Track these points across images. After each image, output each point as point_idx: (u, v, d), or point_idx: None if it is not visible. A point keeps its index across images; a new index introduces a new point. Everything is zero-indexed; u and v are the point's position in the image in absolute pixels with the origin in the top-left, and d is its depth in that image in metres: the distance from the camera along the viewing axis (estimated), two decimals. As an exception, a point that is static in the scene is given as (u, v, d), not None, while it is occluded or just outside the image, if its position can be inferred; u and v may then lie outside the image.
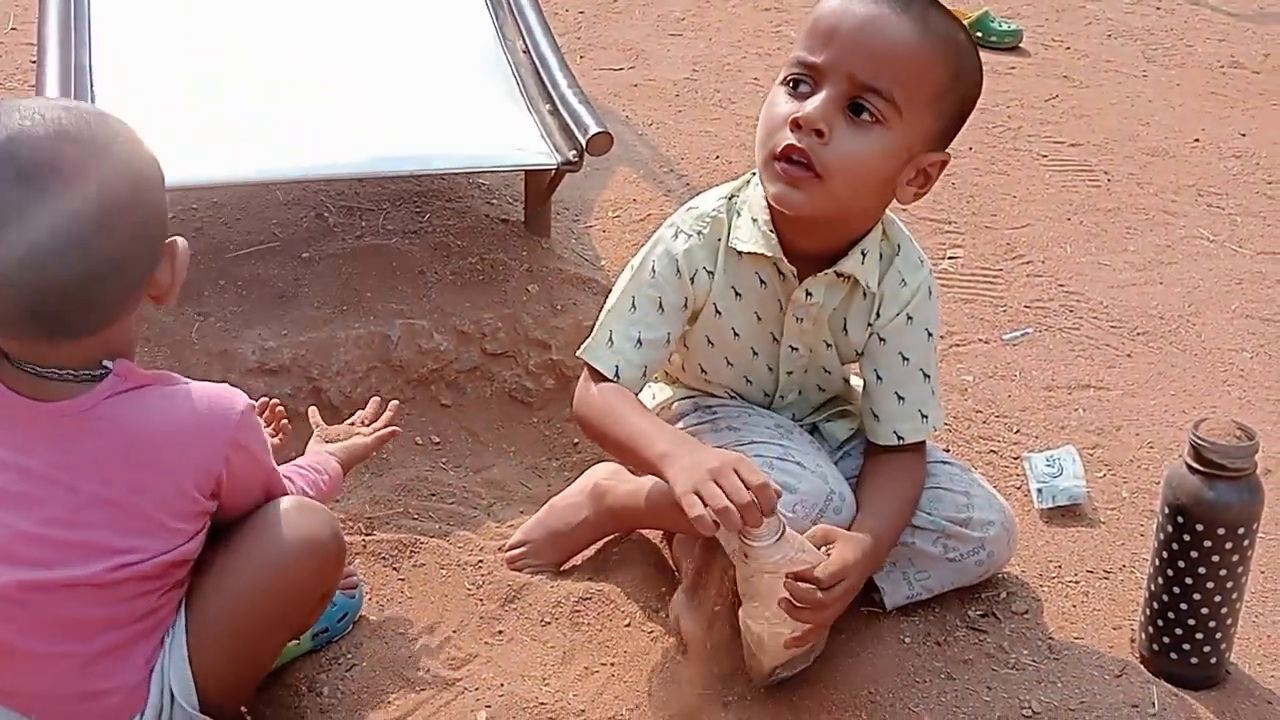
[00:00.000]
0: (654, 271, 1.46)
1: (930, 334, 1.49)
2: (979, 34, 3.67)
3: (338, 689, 1.42)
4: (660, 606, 1.55)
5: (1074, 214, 2.71)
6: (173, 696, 1.23)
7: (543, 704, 1.41)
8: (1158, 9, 4.14)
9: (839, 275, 1.43)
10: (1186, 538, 1.39)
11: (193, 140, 1.86)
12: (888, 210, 1.47)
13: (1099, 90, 3.44)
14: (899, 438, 1.48)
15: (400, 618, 1.54)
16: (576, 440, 1.96)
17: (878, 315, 1.47)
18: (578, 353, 1.52)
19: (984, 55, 3.68)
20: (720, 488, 1.22)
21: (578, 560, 1.65)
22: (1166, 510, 1.41)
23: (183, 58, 2.13)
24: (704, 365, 1.55)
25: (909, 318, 1.47)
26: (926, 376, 1.49)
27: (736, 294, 1.47)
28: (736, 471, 1.23)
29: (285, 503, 1.28)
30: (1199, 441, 1.37)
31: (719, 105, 3.08)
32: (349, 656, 1.46)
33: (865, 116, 1.31)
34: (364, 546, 1.63)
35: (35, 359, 1.16)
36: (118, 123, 1.17)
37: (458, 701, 1.42)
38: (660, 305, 1.46)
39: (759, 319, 1.50)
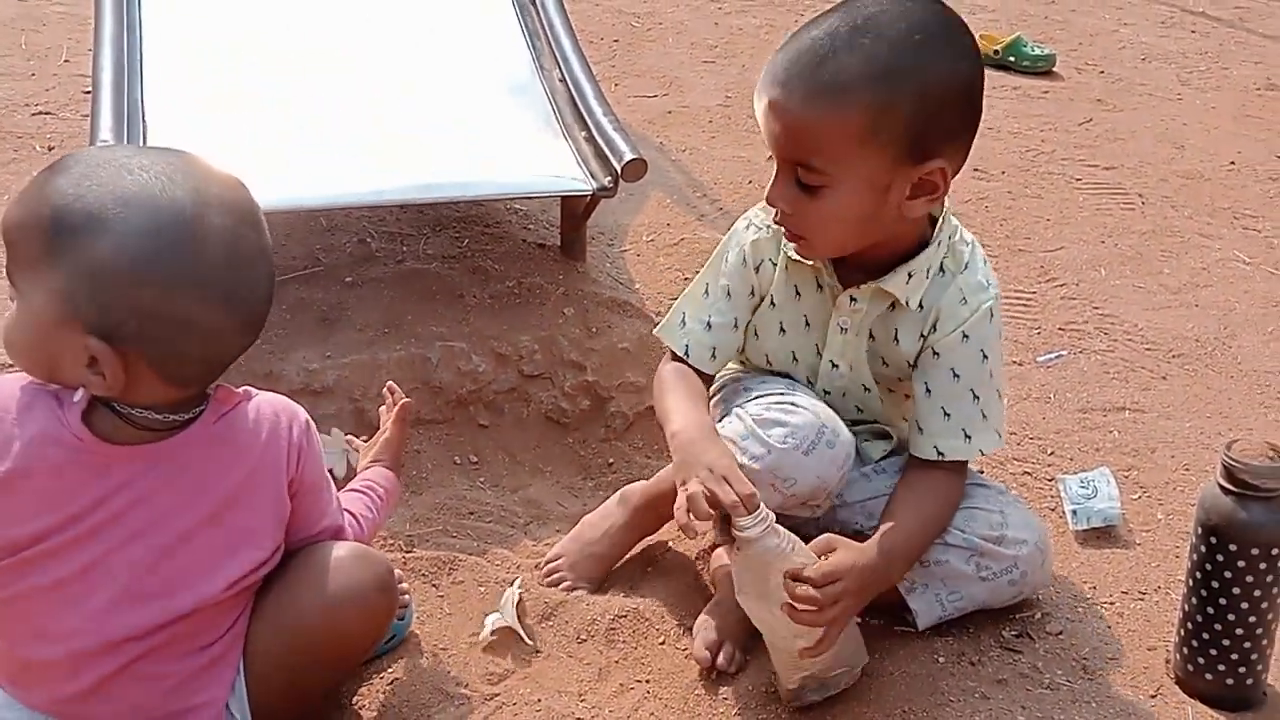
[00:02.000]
0: (726, 260, 1.57)
1: (986, 356, 1.47)
2: (1011, 59, 3.69)
3: (379, 702, 1.45)
4: (693, 625, 1.56)
5: (1108, 237, 2.71)
6: (233, 715, 1.27)
7: (579, 719, 1.44)
8: (1193, 32, 4.13)
9: (882, 290, 1.47)
10: (1220, 558, 1.39)
11: (240, 170, 1.89)
12: (956, 225, 1.50)
13: (1133, 114, 3.44)
14: (939, 453, 1.48)
15: (439, 634, 1.56)
16: (611, 460, 1.99)
17: (934, 329, 1.47)
18: (654, 330, 1.66)
19: (1017, 80, 3.73)
20: (703, 484, 1.32)
21: (614, 576, 1.67)
22: (1199, 531, 1.42)
23: (229, 90, 2.20)
24: (748, 357, 1.61)
25: (965, 335, 1.46)
26: (976, 397, 1.47)
27: (796, 292, 1.54)
28: (725, 479, 1.32)
29: (341, 550, 1.30)
30: (1231, 462, 1.37)
31: (752, 131, 3.11)
32: (390, 670, 1.49)
33: (811, 184, 1.37)
34: (404, 563, 1.66)
35: (164, 403, 1.17)
36: None
37: (496, 716, 1.44)
38: (729, 293, 1.56)
39: (807, 324, 1.54)
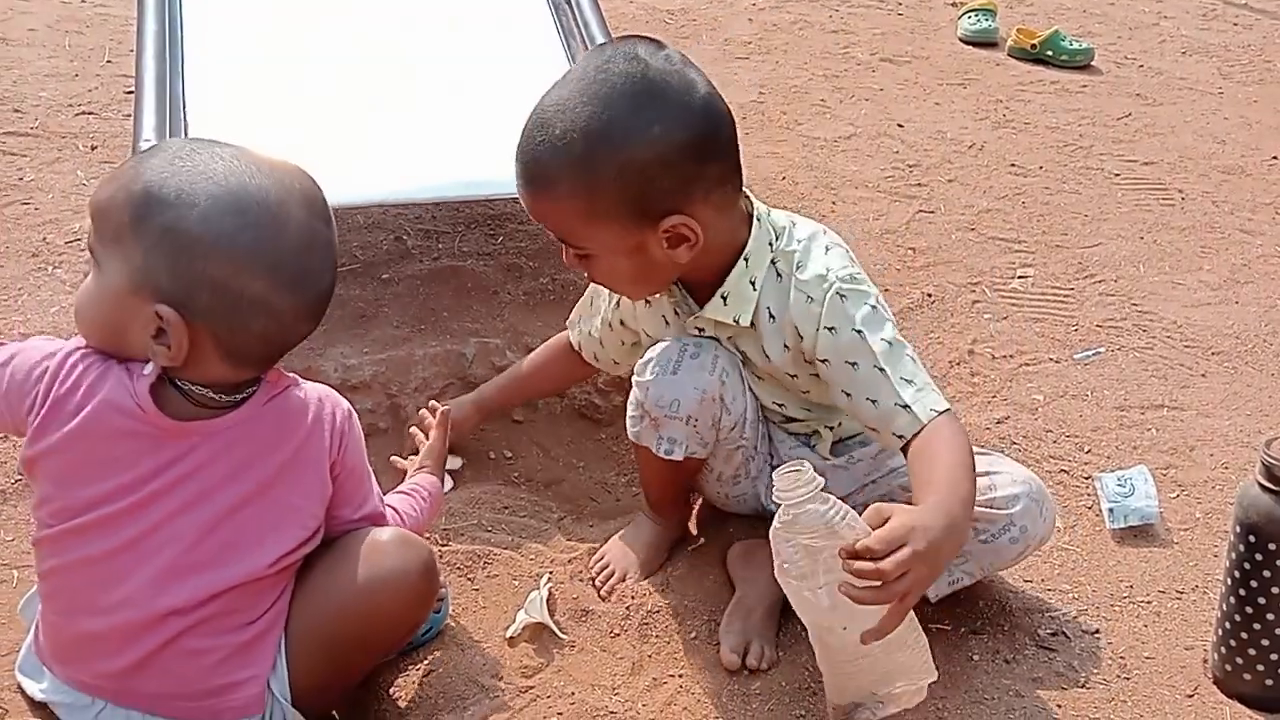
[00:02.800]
0: (596, 288, 1.71)
1: (861, 332, 1.42)
2: (1049, 53, 3.66)
3: (415, 693, 1.46)
4: (727, 621, 1.57)
5: (1147, 233, 2.68)
6: (272, 692, 1.29)
7: (613, 713, 1.44)
8: (1235, 24, 4.07)
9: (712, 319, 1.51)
10: (1258, 557, 1.38)
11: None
12: (784, 228, 1.50)
13: (1173, 108, 3.40)
14: (901, 436, 1.40)
15: (474, 626, 1.58)
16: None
17: (800, 337, 1.47)
18: (567, 321, 1.82)
19: (1055, 74, 3.71)
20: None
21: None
22: (1238, 529, 1.40)
23: (269, 88, 2.23)
24: None
25: (830, 329, 1.44)
26: (882, 370, 1.40)
27: (665, 321, 1.59)
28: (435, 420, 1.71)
29: (386, 534, 1.34)
30: (1271, 460, 1.36)
31: (786, 127, 3.10)
32: (426, 662, 1.50)
33: (580, 254, 1.45)
34: (440, 557, 1.67)
35: (225, 382, 1.23)
36: None
37: (530, 709, 1.45)
38: (601, 316, 1.73)
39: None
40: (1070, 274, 2.49)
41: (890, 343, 1.43)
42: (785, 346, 1.50)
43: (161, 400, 1.21)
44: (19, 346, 1.26)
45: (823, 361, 1.46)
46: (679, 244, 1.41)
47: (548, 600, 1.60)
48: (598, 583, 1.64)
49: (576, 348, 1.79)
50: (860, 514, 1.24)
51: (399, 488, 1.57)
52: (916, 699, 1.29)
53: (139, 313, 1.17)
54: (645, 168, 1.36)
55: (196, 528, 1.23)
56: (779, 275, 1.49)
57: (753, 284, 1.48)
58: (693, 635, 1.55)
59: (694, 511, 1.75)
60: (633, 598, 1.60)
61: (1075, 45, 3.69)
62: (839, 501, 1.24)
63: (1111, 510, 1.75)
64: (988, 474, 1.48)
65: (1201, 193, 2.88)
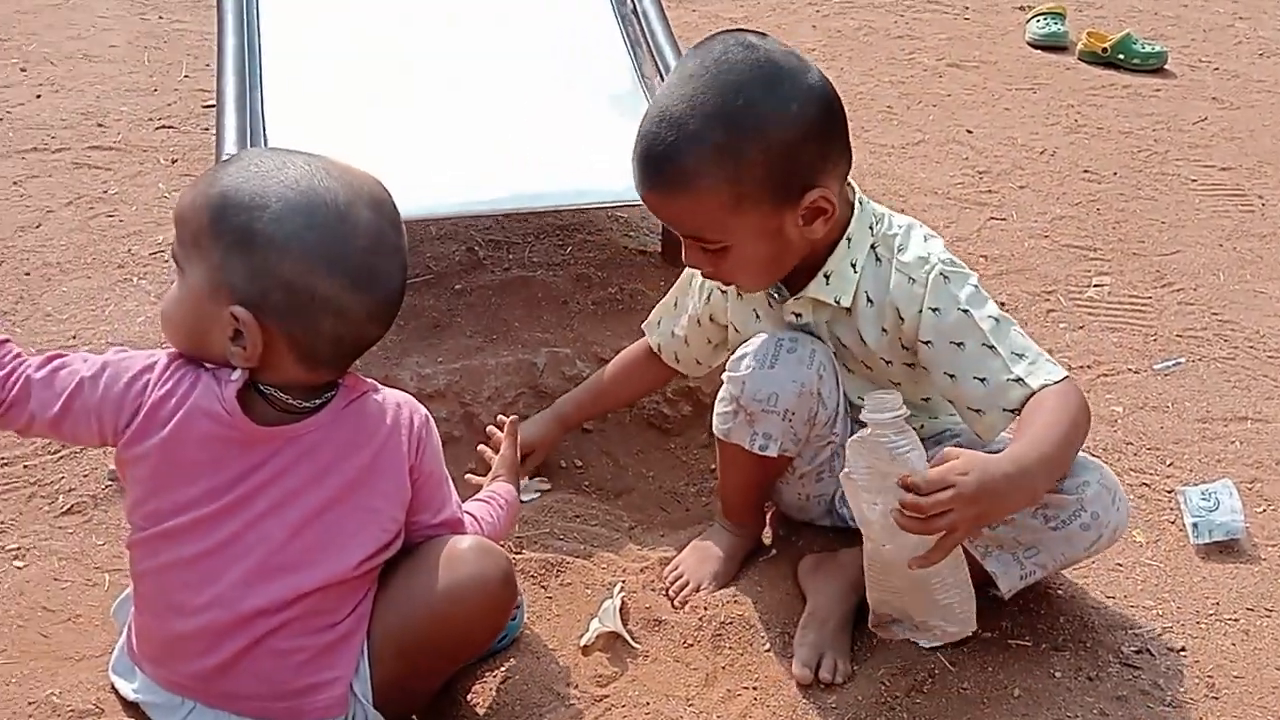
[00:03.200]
0: (687, 280, 1.73)
1: (967, 310, 1.43)
2: (1120, 56, 3.60)
3: (492, 699, 1.48)
4: (799, 633, 1.56)
5: (1227, 240, 2.62)
6: (354, 693, 1.32)
7: (688, 724, 1.45)
8: (1314, 25, 3.97)
9: (813, 299, 1.52)
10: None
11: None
12: (883, 214, 1.52)
13: (1250, 112, 3.32)
14: (1011, 412, 1.41)
15: (549, 634, 1.59)
16: (713, 466, 1.99)
17: (900, 320, 1.47)
18: (642, 324, 1.84)
19: (1127, 78, 3.65)
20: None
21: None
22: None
23: (343, 101, 2.27)
24: None
25: (934, 309, 1.45)
26: (993, 347, 1.42)
27: (756, 315, 1.61)
28: (508, 439, 1.74)
29: (466, 541, 1.36)
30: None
31: (852, 134, 3.03)
32: (503, 668, 1.51)
33: (714, 249, 1.45)
34: (514, 564, 1.69)
35: (302, 384, 1.26)
36: None
37: (605, 718, 1.46)
38: (685, 310, 1.74)
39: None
40: (1148, 282, 2.44)
41: (997, 319, 1.45)
42: (883, 330, 1.50)
43: (247, 406, 1.25)
44: (111, 359, 1.30)
45: (925, 344, 1.46)
46: (815, 218, 1.43)
47: (621, 609, 1.60)
48: (671, 592, 1.64)
49: (656, 350, 1.79)
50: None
51: (477, 495, 1.59)
52: (944, 640, 1.39)
53: (218, 315, 1.20)
54: (788, 146, 1.38)
55: (283, 530, 1.26)
56: (878, 259, 1.50)
57: (853, 266, 1.49)
58: (766, 647, 1.55)
59: (768, 522, 1.75)
60: (705, 608, 1.60)
61: (1148, 48, 3.62)
62: (914, 436, 1.30)
63: (1196, 525, 1.71)
64: None
65: (1283, 198, 2.81)
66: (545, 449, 1.86)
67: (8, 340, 1.28)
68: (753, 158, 1.37)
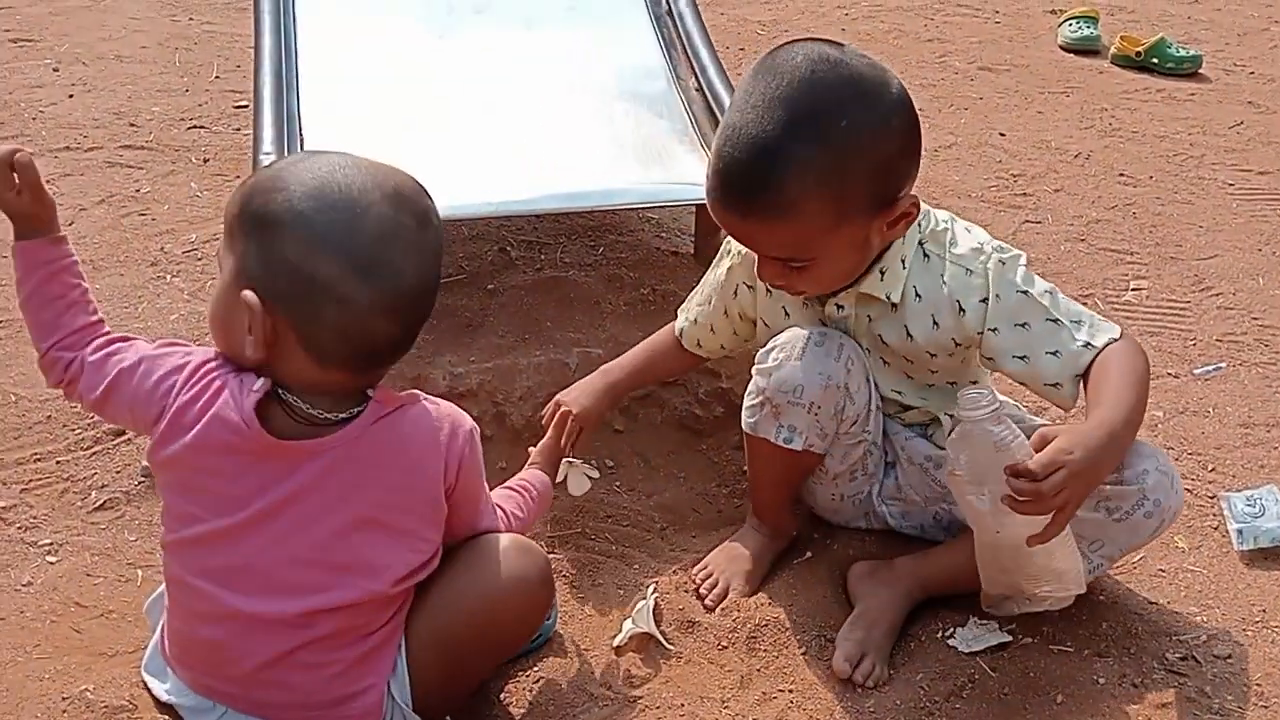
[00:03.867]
0: (714, 273, 1.70)
1: (1026, 291, 1.45)
2: (1154, 61, 3.56)
3: (526, 700, 1.47)
4: (835, 636, 1.54)
5: (1265, 244, 2.58)
6: (393, 698, 1.31)
7: (723, 727, 1.43)
8: (1352, 29, 3.92)
9: (863, 293, 1.50)
10: None
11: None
12: (937, 215, 1.51)
13: (1288, 116, 3.28)
14: (1081, 376, 1.43)
15: (582, 635, 1.58)
16: (745, 468, 1.97)
17: (961, 312, 1.46)
18: (679, 308, 1.80)
19: (1161, 82, 3.61)
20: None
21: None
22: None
23: (378, 102, 2.27)
24: None
25: (996, 296, 1.45)
26: (1055, 320, 1.44)
27: (785, 313, 1.59)
28: (559, 403, 1.71)
29: (505, 540, 1.34)
30: None
31: (884, 138, 3.06)
32: (536, 669, 1.50)
33: (799, 266, 1.43)
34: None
35: (318, 388, 1.22)
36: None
37: (639, 719, 1.45)
38: (711, 303, 1.71)
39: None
40: (1186, 286, 2.41)
41: (1050, 291, 1.47)
42: (934, 325, 1.49)
43: (267, 417, 1.21)
44: (150, 353, 1.29)
45: (991, 331, 1.46)
46: (901, 222, 1.42)
47: (654, 610, 1.59)
48: (702, 592, 1.62)
49: (678, 334, 1.76)
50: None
51: (508, 483, 1.56)
52: (1060, 605, 1.42)
53: (237, 304, 1.18)
54: (890, 160, 1.37)
55: (308, 548, 1.23)
56: (926, 255, 1.49)
57: (903, 262, 1.48)
58: (802, 650, 1.53)
59: (798, 523, 1.73)
60: (740, 610, 1.59)
61: (1182, 52, 3.58)
62: (1012, 424, 1.32)
63: (1240, 531, 1.68)
64: None
65: (1322, 203, 2.77)
66: (597, 423, 1.74)
67: (99, 321, 1.32)
68: (857, 178, 1.35)
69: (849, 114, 1.32)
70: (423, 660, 1.31)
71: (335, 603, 1.24)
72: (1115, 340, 1.43)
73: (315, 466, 1.22)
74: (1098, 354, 1.42)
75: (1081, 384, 1.43)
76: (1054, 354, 1.44)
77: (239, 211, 1.20)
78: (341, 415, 1.23)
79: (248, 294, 1.17)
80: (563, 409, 1.70)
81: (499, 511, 1.43)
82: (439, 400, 1.32)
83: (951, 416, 1.56)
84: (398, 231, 1.19)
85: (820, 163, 1.33)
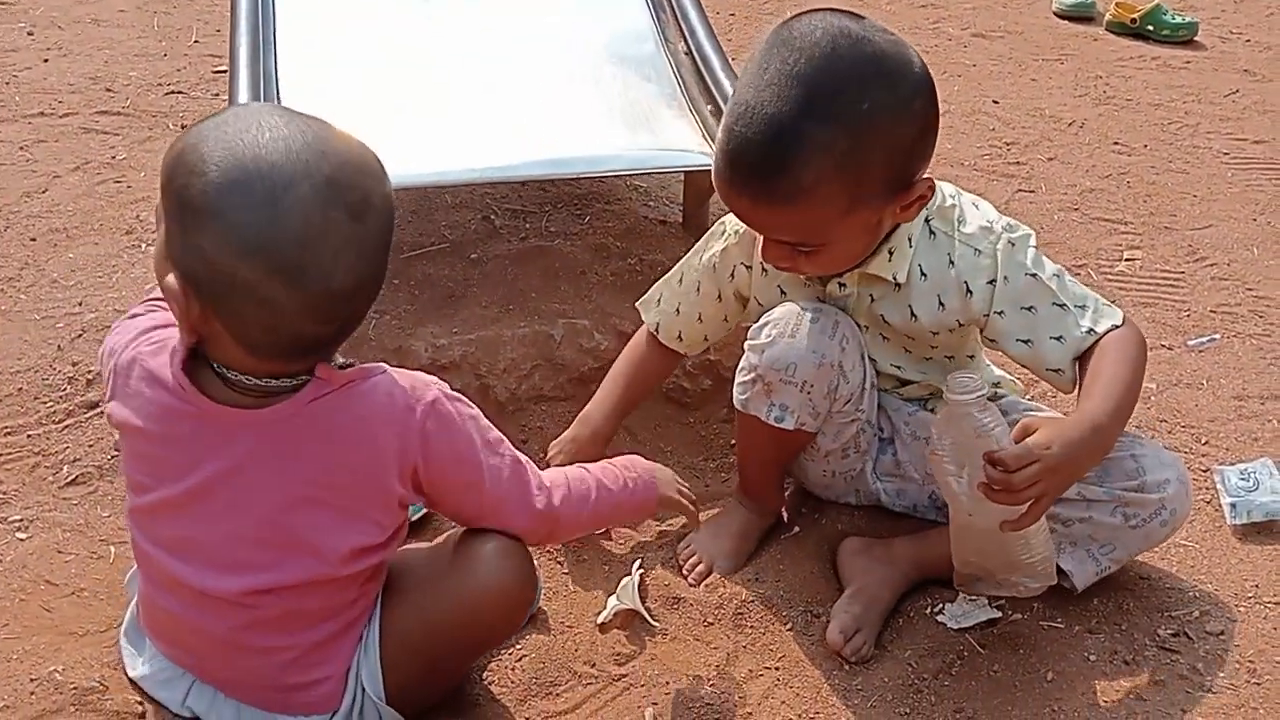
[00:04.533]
0: (701, 257, 1.64)
1: (1034, 274, 1.42)
2: (1150, 28, 3.52)
3: (508, 678, 1.44)
4: (822, 612, 1.52)
5: (1260, 214, 2.55)
6: (364, 689, 1.28)
7: (709, 704, 1.41)
8: (1349, -4, 3.88)
9: (868, 274, 1.46)
10: None
11: (369, 145, 1.92)
12: (944, 189, 1.47)
13: (1284, 84, 3.24)
14: (1078, 354, 1.42)
15: (566, 611, 1.55)
16: (732, 441, 1.94)
17: (968, 292, 1.43)
18: (637, 303, 1.75)
19: (1156, 50, 3.57)
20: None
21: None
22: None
23: (358, 66, 2.21)
24: None
25: (1005, 278, 1.42)
26: (1062, 305, 1.41)
27: (781, 292, 1.55)
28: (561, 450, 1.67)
29: (490, 543, 1.28)
30: None
31: (876, 105, 3.01)
32: (519, 647, 1.48)
33: (809, 250, 1.38)
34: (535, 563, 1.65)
35: (253, 372, 1.15)
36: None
37: (624, 697, 1.42)
38: (698, 288, 1.65)
39: None
40: (1180, 256, 2.38)
41: (1058, 275, 1.44)
42: (940, 305, 1.46)
43: (202, 382, 1.16)
44: (124, 319, 1.26)
45: (998, 314, 1.44)
46: (915, 204, 1.37)
47: (639, 586, 1.56)
48: (685, 570, 1.60)
49: (654, 329, 1.71)
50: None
51: (610, 461, 1.46)
52: (1030, 593, 1.41)
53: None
54: (911, 143, 1.31)
55: (249, 526, 1.18)
56: (932, 232, 1.45)
57: (909, 240, 1.44)
58: (789, 627, 1.51)
59: (786, 499, 1.70)
60: (726, 586, 1.57)
61: (1178, 19, 3.54)
62: (996, 411, 1.31)
63: (1234, 505, 1.66)
64: (1133, 456, 1.44)
65: (1318, 173, 2.74)
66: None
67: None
68: (875, 162, 1.29)
69: (870, 95, 1.25)
70: (398, 658, 1.28)
71: (277, 583, 1.19)
72: (1117, 327, 1.41)
73: (251, 437, 1.16)
74: (1098, 340, 1.40)
75: (1078, 368, 1.41)
76: (1058, 339, 1.41)
77: (165, 182, 1.10)
78: (278, 385, 1.16)
79: (170, 281, 1.08)
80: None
81: (541, 494, 1.31)
82: (405, 372, 1.24)
83: None
84: (325, 230, 1.06)
85: (839, 147, 1.26)
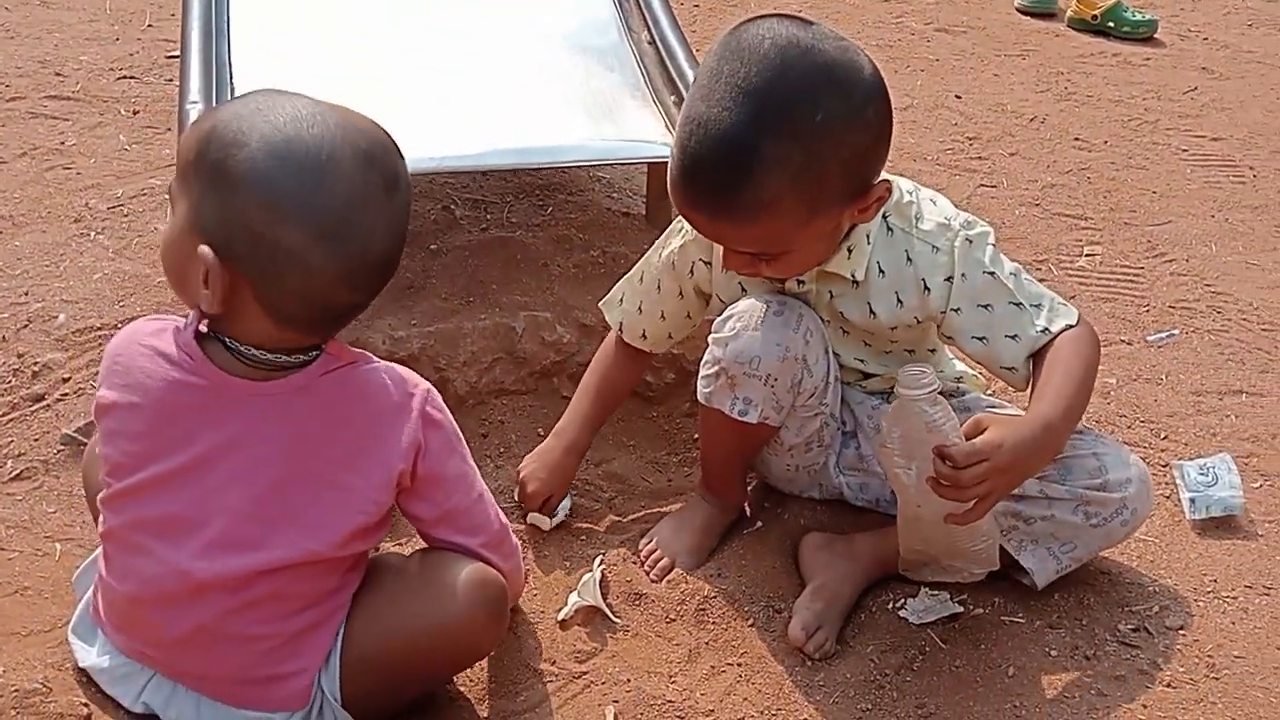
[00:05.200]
0: (660, 255, 1.63)
1: (992, 272, 1.42)
2: (1110, 24, 3.54)
3: (467, 678, 1.42)
4: (784, 608, 1.51)
5: (1218, 210, 2.58)
6: (323, 690, 1.25)
7: (670, 702, 1.39)
8: (1304, -4, 3.93)
9: (826, 272, 1.46)
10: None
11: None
12: (901, 186, 1.46)
13: (1241, 82, 3.28)
14: (1031, 355, 1.43)
15: (526, 608, 1.53)
16: (695, 435, 1.93)
17: (925, 290, 1.43)
18: (600, 303, 1.73)
19: (1117, 46, 3.61)
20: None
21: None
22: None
23: (316, 53, 2.16)
24: None
25: (962, 276, 1.42)
26: (1018, 304, 1.42)
27: (742, 289, 1.54)
28: (524, 485, 1.65)
29: (466, 569, 1.26)
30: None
31: (840, 98, 3.01)
32: (479, 646, 1.45)
33: (770, 258, 1.38)
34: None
35: (270, 345, 1.17)
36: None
37: (585, 695, 1.41)
38: (659, 286, 1.64)
39: None
40: (1140, 252, 2.39)
41: (1014, 274, 1.45)
42: (898, 301, 1.46)
43: (210, 355, 1.18)
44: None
45: (955, 311, 1.44)
46: (873, 206, 1.36)
47: (600, 582, 1.54)
48: (646, 566, 1.58)
49: (617, 328, 1.70)
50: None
51: None
52: (974, 579, 1.45)
53: (193, 254, 1.13)
54: (866, 151, 1.31)
55: (245, 501, 1.19)
56: (889, 229, 1.45)
57: (867, 237, 1.44)
58: (750, 623, 1.50)
59: (749, 493, 1.69)
60: (688, 582, 1.55)
61: (1138, 16, 3.57)
62: (947, 406, 1.31)
63: (1193, 500, 1.67)
64: (1095, 455, 1.44)
65: (1274, 170, 2.77)
66: (564, 488, 1.69)
67: None
68: (832, 172, 1.28)
69: (823, 106, 1.24)
70: (356, 674, 1.25)
71: (271, 563, 1.18)
72: (1072, 326, 1.41)
73: (259, 408, 1.18)
74: (1052, 339, 1.41)
75: (1033, 366, 1.42)
76: (1013, 337, 1.42)
77: (195, 158, 1.13)
78: (286, 360, 1.18)
79: (205, 251, 1.11)
80: (528, 491, 1.66)
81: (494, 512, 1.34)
82: (392, 365, 1.27)
83: None
84: (367, 196, 1.13)
85: (794, 161, 1.25)
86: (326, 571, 1.24)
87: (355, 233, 1.13)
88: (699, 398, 1.53)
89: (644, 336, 1.68)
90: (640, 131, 2.07)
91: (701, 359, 1.53)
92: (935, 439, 1.27)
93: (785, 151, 1.25)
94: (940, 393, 1.31)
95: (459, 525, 1.29)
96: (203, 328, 1.19)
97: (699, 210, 1.32)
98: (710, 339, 1.51)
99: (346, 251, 1.13)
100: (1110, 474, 1.42)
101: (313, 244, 1.11)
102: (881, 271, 1.45)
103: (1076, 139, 2.88)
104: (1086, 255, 2.37)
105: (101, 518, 1.24)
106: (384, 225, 1.16)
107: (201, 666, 1.22)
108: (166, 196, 1.22)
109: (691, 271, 1.60)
